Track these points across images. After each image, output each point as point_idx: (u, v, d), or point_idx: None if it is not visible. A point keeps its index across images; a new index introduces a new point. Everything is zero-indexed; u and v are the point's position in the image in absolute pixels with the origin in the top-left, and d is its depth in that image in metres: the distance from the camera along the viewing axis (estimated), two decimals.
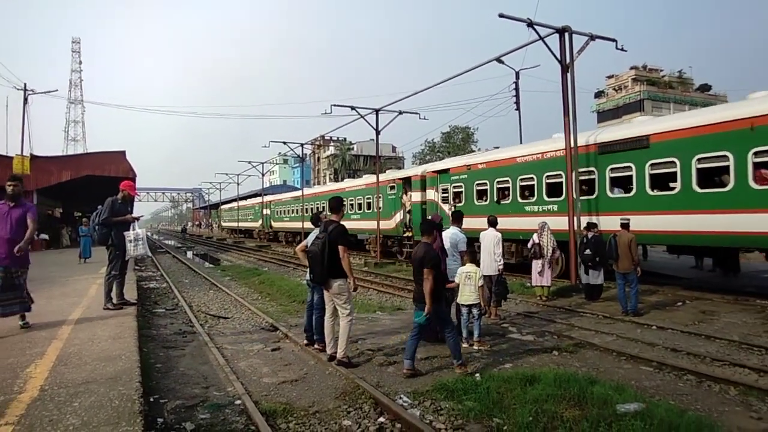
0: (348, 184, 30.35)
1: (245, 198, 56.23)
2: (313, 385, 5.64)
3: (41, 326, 6.88)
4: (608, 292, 11.42)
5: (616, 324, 8.77)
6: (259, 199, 46.68)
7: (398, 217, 22.15)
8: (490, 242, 8.83)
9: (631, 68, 59.75)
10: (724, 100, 60.17)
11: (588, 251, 10.38)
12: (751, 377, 5.86)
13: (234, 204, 58.23)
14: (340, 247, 5.99)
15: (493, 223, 9.13)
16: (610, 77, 63.50)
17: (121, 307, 8.07)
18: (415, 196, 20.82)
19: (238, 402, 5.06)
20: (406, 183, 21.89)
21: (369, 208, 25.17)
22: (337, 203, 6.47)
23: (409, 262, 8.39)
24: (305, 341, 7.16)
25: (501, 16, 12.06)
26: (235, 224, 56.93)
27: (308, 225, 9.15)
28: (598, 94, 62.79)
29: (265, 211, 44.37)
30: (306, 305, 7.41)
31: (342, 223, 6.29)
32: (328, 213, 6.70)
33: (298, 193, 35.99)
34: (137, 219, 8.30)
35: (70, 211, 39.21)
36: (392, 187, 23.24)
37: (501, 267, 8.71)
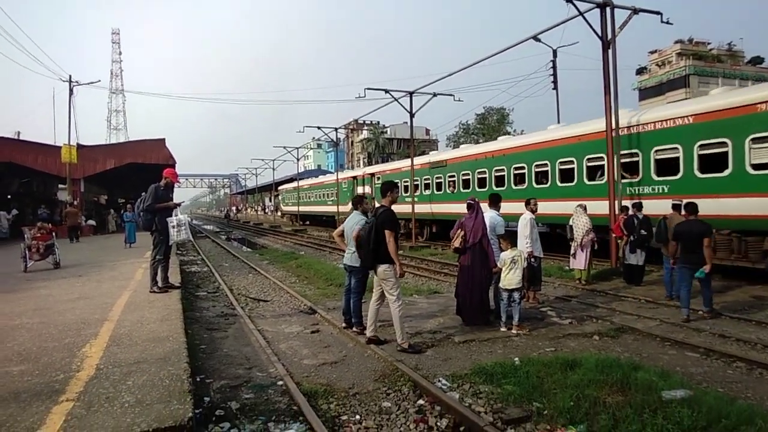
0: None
1: (288, 181, 56.13)
2: (353, 367, 5.73)
3: (93, 309, 7.22)
4: (648, 276, 11.11)
5: (660, 309, 8.54)
6: (346, 174, 36.30)
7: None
8: (522, 225, 8.62)
9: (676, 42, 56.91)
10: None
11: (644, 231, 10.09)
12: None
13: (304, 182, 47.61)
14: (387, 232, 5.94)
15: (528, 204, 8.88)
16: (653, 52, 60.66)
17: (167, 291, 8.37)
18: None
19: (280, 383, 5.19)
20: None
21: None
22: (386, 187, 6.39)
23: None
24: (344, 324, 7.26)
25: None
26: (303, 209, 45.99)
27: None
28: (640, 71, 60.16)
29: (360, 189, 30.81)
30: (344, 289, 7.50)
31: (391, 207, 6.23)
32: (380, 198, 6.67)
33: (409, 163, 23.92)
34: (179, 205, 8.55)
35: (114, 197, 40.79)
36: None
37: (530, 250, 8.41)
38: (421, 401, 4.74)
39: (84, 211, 29.33)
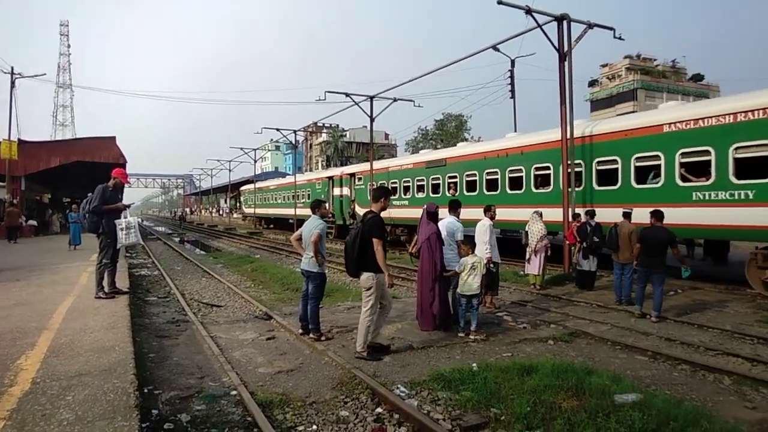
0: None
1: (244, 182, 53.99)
2: (309, 375, 5.60)
3: (31, 316, 6.77)
4: (599, 281, 11.48)
5: (610, 313, 8.82)
6: (322, 174, 32.17)
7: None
8: (480, 231, 8.75)
9: (625, 57, 59.66)
10: (717, 91, 60.52)
11: (596, 238, 10.42)
12: (744, 367, 5.90)
13: (270, 183, 43.31)
14: (375, 240, 5.70)
15: (487, 210, 9.01)
16: (604, 66, 63.36)
17: (113, 296, 7.97)
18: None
19: (233, 393, 5.01)
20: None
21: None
22: (380, 193, 6.10)
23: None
24: (300, 330, 7.12)
25: (500, 2, 11.89)
26: (269, 211, 41.73)
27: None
28: (592, 83, 62.69)
29: (340, 191, 27.65)
30: (301, 294, 7.36)
31: (380, 214, 5.95)
32: (370, 202, 6.39)
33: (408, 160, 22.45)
34: (128, 207, 8.15)
35: (58, 197, 38.78)
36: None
37: (489, 255, 8.51)
38: (379, 409, 4.68)
39: (25, 210, 27.71)
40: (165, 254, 22.73)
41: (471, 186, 17.12)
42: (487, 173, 16.39)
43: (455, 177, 17.98)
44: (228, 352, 6.54)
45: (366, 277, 5.86)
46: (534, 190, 14.53)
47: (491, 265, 8.62)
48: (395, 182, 21.88)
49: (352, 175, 26.30)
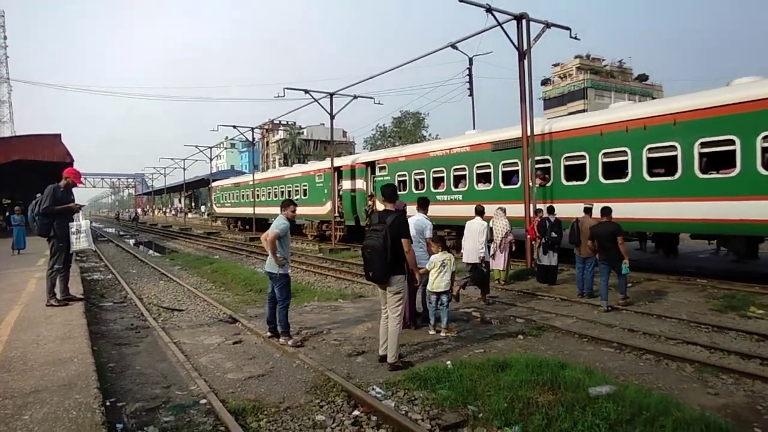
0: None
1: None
2: (281, 380, 5.45)
3: None
4: (561, 275, 11.77)
5: (574, 306, 9.04)
6: (323, 165, 25.49)
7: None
8: (476, 231, 8.95)
9: (576, 57, 61.64)
10: (660, 90, 63.47)
11: (554, 234, 10.66)
12: (703, 354, 6.17)
13: (249, 178, 35.73)
14: (404, 240, 5.47)
15: (480, 212, 9.24)
16: (556, 65, 65.26)
17: (67, 303, 7.51)
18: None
19: (203, 401, 4.80)
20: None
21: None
22: (391, 190, 5.92)
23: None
24: (268, 333, 6.93)
25: (461, 0, 11.97)
26: (249, 211, 33.81)
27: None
28: (545, 82, 64.47)
29: (351, 184, 22.16)
30: (267, 296, 7.16)
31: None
32: (383, 200, 5.98)
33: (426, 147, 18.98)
34: (81, 207, 7.70)
35: None
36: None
37: (482, 255, 8.85)
38: (356, 412, 4.59)
39: None
40: (118, 257, 21.77)
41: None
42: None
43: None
44: (194, 358, 6.28)
45: (399, 279, 5.57)
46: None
47: (483, 265, 8.98)
48: (423, 172, 17.86)
49: (370, 164, 20.98)
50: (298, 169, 28.91)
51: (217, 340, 7.18)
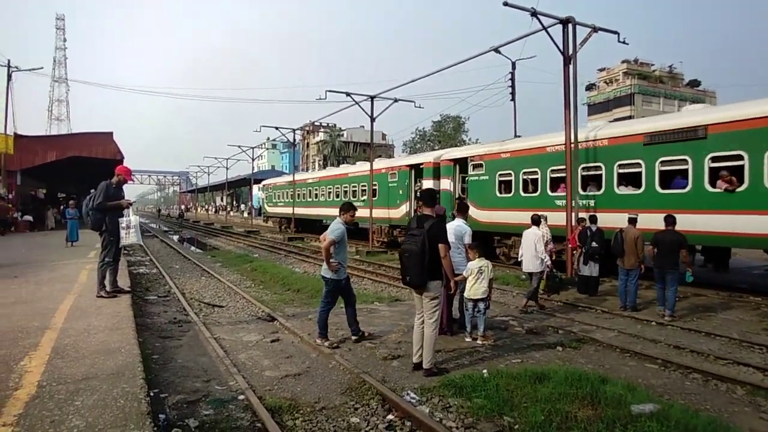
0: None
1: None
2: (317, 380, 5.52)
3: (32, 315, 6.64)
4: (603, 286, 11.43)
5: (616, 319, 8.77)
6: (398, 162, 23.43)
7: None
8: (532, 240, 9.12)
9: (623, 62, 59.81)
10: (713, 97, 60.81)
11: (595, 244, 10.39)
12: (756, 376, 5.86)
13: (308, 176, 34.39)
14: (441, 246, 5.47)
15: (536, 221, 9.45)
16: (601, 70, 63.48)
17: (115, 296, 7.84)
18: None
19: (241, 397, 4.91)
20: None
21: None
22: (430, 195, 5.96)
23: None
24: (353, 337, 7.00)
25: (505, 4, 11.83)
26: (307, 211, 32.00)
27: None
28: (590, 87, 62.80)
29: (435, 185, 18.58)
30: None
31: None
32: (421, 204, 5.95)
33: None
34: (131, 204, 8.03)
35: (54, 192, 38.47)
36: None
37: (548, 263, 9.22)
38: (390, 416, 4.60)
39: (20, 205, 27.42)
40: (162, 252, 22.55)
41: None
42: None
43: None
44: (233, 354, 6.44)
45: (435, 285, 5.55)
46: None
47: (553, 271, 9.98)
48: (536, 171, 14.48)
49: (459, 161, 17.89)
50: (365, 166, 25.23)
51: (256, 337, 7.34)
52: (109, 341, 5.39)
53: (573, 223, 12.05)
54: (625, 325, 8.32)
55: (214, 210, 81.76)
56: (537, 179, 14.36)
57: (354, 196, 25.03)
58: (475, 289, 6.89)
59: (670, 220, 8.83)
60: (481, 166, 16.59)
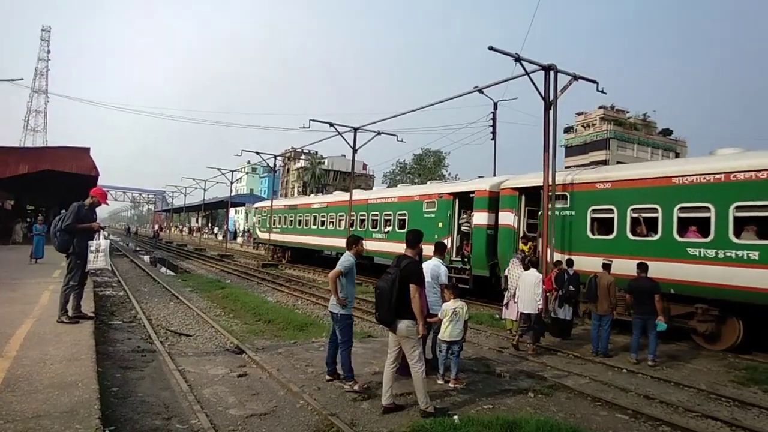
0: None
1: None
2: (284, 421, 5.33)
3: None
4: (575, 330, 11.46)
5: (587, 365, 8.77)
6: (435, 189, 18.76)
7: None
8: (532, 282, 9.26)
9: (600, 107, 61.96)
10: (684, 146, 63.23)
11: (572, 287, 10.46)
12: (723, 431, 5.88)
13: (312, 200, 30.02)
14: (412, 286, 5.43)
15: (534, 264, 9.80)
16: (579, 114, 65.66)
17: (77, 321, 7.51)
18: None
19: None
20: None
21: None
22: (415, 237, 5.99)
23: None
24: (327, 376, 6.77)
25: (491, 49, 12.16)
26: (302, 239, 28.65)
27: None
28: (567, 130, 64.72)
29: (489, 219, 15.48)
30: (329, 336, 6.95)
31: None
32: (406, 247, 5.97)
33: None
34: (103, 228, 7.80)
35: (22, 204, 37.31)
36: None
37: (540, 306, 9.28)
38: None
39: None
40: (131, 273, 21.93)
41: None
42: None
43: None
44: (197, 389, 6.21)
45: (407, 324, 5.47)
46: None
47: (544, 316, 9.95)
48: (656, 208, 10.98)
49: (527, 191, 14.29)
50: (392, 192, 21.82)
51: (222, 371, 7.10)
52: (66, 373, 5.12)
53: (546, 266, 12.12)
54: (596, 371, 8.31)
55: (187, 231, 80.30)
56: (656, 218, 10.94)
57: (374, 227, 21.43)
58: (449, 331, 6.82)
59: (643, 267, 9.04)
60: (564, 198, 13.03)
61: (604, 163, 48.32)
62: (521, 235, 14.16)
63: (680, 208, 10.55)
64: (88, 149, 28.20)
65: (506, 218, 14.63)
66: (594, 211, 12.30)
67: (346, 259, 6.52)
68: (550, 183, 12.52)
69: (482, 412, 5.86)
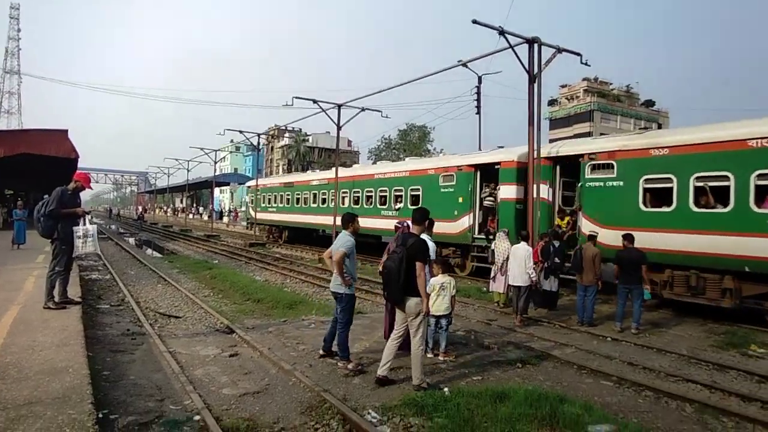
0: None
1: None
2: (277, 398, 5.40)
3: None
4: (561, 301, 11.67)
5: (573, 335, 8.98)
6: (454, 161, 16.93)
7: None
8: (523, 256, 9.52)
9: (584, 80, 61.92)
10: (666, 117, 63.67)
11: (557, 259, 10.64)
12: (703, 394, 6.10)
13: (313, 177, 27.43)
14: (417, 264, 5.51)
15: (525, 238, 10.04)
16: (563, 86, 65.55)
17: (64, 307, 7.44)
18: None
19: (197, 417, 4.75)
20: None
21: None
22: (421, 215, 6.09)
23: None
24: (321, 351, 6.81)
25: (474, 22, 12.02)
26: (302, 218, 26.97)
27: None
28: (552, 102, 64.72)
29: (518, 192, 14.26)
30: (333, 316, 6.87)
31: (422, 237, 6.01)
32: (410, 224, 6.24)
33: None
34: (88, 213, 7.67)
35: (1, 189, 36.54)
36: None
37: (534, 278, 9.58)
38: None
39: None
40: (117, 256, 21.70)
41: None
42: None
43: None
44: (189, 370, 6.24)
45: (416, 301, 5.57)
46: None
47: (538, 285, 10.11)
48: (728, 176, 9.79)
49: (564, 160, 13.35)
50: (403, 166, 20.11)
51: (213, 351, 7.13)
52: (56, 359, 5.09)
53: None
54: (582, 340, 8.52)
55: (172, 212, 79.47)
56: (728, 188, 9.79)
57: (383, 204, 19.92)
58: (437, 305, 6.89)
59: (629, 238, 9.27)
60: (609, 167, 11.86)
61: (588, 135, 48.58)
62: (556, 209, 13.48)
63: (758, 175, 9.29)
64: (65, 131, 27.54)
65: (540, 191, 12.95)
66: (647, 180, 11.07)
67: (347, 239, 6.48)
68: (536, 157, 12.57)
69: (472, 383, 5.99)
